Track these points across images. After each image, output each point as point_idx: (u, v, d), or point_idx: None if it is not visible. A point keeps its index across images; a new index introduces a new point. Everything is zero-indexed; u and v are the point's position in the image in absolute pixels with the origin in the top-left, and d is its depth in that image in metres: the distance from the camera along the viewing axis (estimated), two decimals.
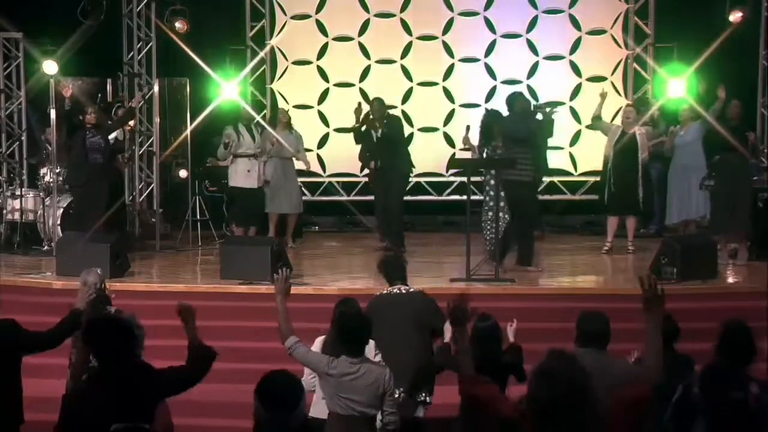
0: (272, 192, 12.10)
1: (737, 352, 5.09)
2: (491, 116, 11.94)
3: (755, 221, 11.27)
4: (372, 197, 12.75)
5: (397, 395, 6.30)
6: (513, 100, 10.81)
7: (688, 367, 6.01)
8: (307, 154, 13.98)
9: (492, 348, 6.12)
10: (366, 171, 12.86)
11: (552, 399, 3.64)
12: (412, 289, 6.96)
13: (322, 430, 5.60)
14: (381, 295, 6.95)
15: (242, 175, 11.95)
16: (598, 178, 12.90)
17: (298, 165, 12.76)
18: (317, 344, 6.19)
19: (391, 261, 7.27)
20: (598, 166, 12.58)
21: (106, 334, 4.89)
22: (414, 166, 13.74)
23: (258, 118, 12.81)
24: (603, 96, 11.70)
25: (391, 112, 12.98)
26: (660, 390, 5.41)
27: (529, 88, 14.35)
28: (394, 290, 6.89)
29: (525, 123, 10.50)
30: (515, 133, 10.33)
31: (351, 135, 12.30)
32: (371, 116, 11.90)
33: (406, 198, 14.17)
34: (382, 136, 11.84)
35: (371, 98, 12.62)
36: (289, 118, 12.63)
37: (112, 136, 11.85)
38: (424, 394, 6.72)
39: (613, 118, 12.96)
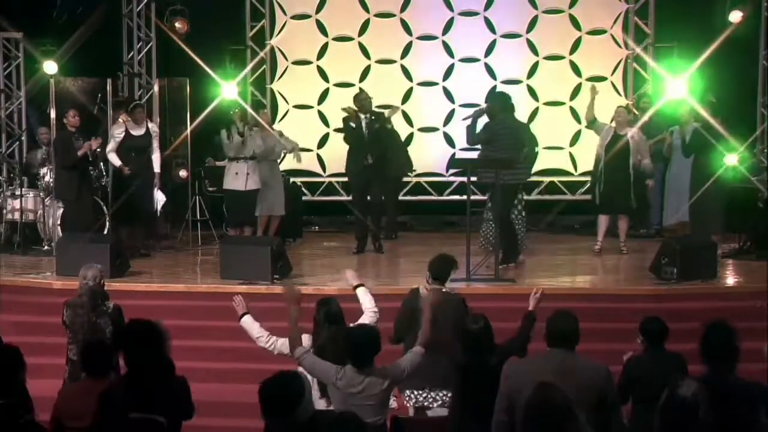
0: (261, 195, 12.02)
1: (719, 355, 4.91)
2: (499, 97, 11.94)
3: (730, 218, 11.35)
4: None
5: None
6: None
7: (679, 366, 6.00)
8: (307, 154, 14.00)
9: (484, 350, 5.95)
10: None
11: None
12: (450, 291, 6.98)
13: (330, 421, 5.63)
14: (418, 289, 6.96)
15: (231, 177, 11.88)
16: None
17: (291, 165, 12.82)
18: (305, 340, 6.12)
19: (443, 260, 7.10)
20: None
21: (142, 337, 4.99)
22: (413, 167, 13.80)
23: (258, 117, 12.78)
24: (593, 91, 11.67)
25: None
26: (649, 390, 5.40)
27: (530, 88, 14.37)
28: (442, 289, 6.86)
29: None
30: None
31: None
32: (359, 101, 11.93)
33: (406, 198, 14.25)
34: (371, 130, 11.81)
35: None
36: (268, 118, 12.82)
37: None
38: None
39: (612, 119, 12.94)
